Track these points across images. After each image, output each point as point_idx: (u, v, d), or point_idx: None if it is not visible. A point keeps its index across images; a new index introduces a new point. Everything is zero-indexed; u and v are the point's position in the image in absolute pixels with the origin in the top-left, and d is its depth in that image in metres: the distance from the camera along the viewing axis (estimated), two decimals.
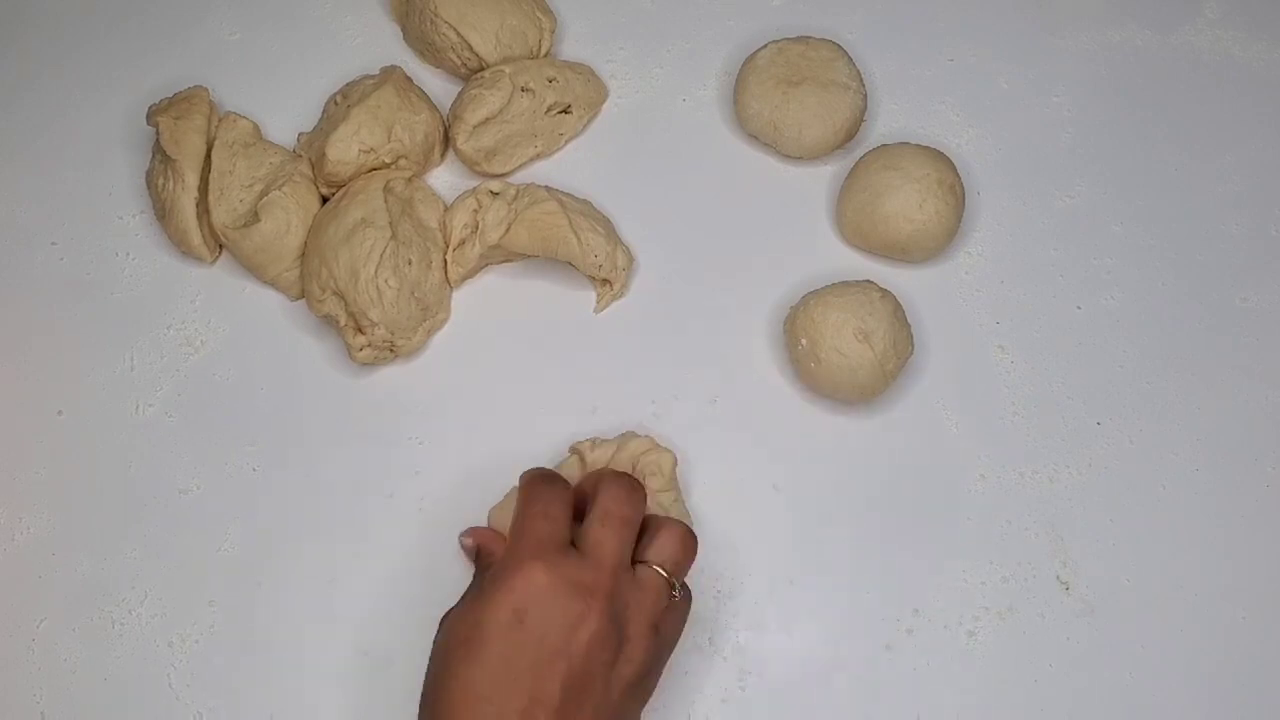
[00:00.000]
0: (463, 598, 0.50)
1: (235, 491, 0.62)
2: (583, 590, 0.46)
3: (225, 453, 0.63)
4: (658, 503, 0.57)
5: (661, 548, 0.50)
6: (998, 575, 0.59)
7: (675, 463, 0.58)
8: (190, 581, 0.60)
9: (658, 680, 0.50)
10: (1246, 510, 0.61)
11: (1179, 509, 0.61)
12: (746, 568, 0.60)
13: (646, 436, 0.59)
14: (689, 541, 0.51)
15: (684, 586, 0.51)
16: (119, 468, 0.63)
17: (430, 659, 0.49)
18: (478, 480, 0.61)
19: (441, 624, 0.49)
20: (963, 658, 0.58)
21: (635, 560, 0.50)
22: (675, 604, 0.50)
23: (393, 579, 0.60)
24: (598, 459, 0.58)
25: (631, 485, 0.51)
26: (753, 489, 0.61)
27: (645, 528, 0.51)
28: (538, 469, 0.53)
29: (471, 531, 0.56)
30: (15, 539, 0.61)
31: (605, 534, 0.48)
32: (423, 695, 0.48)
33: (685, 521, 0.55)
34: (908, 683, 0.57)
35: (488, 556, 0.54)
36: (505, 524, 0.56)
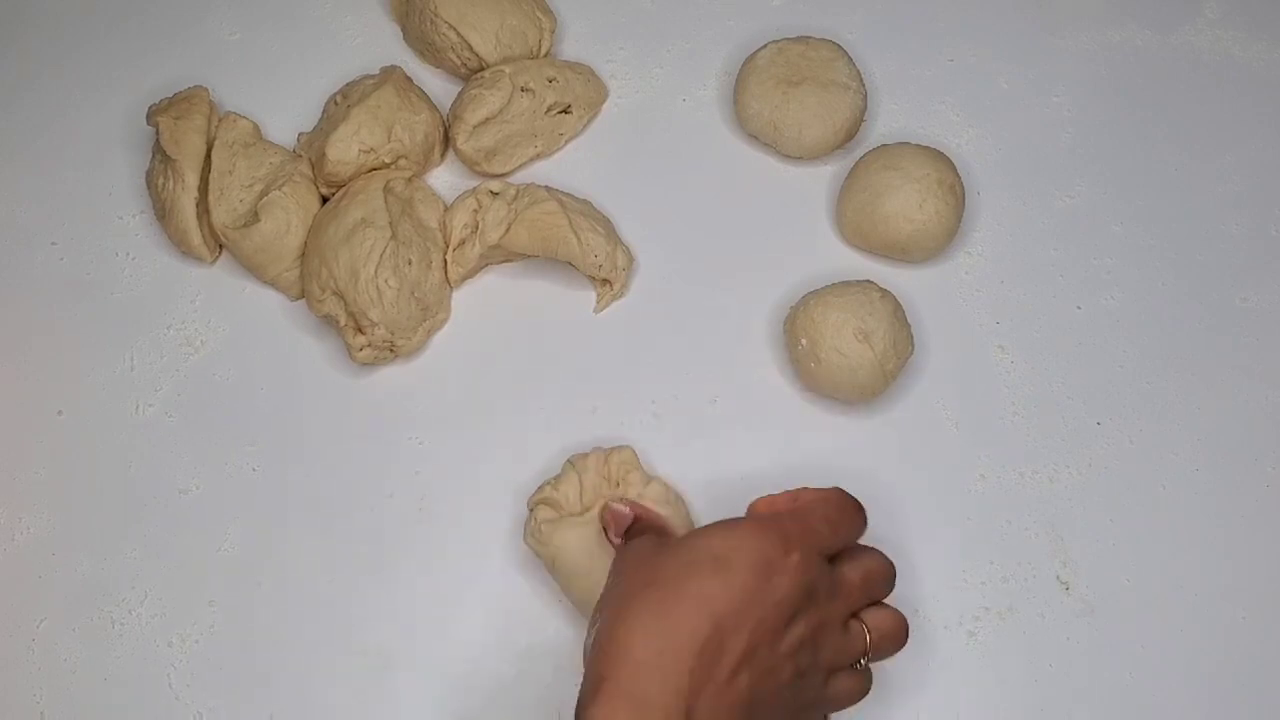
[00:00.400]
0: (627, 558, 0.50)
1: (235, 491, 0.62)
2: (821, 596, 0.46)
3: (225, 453, 0.63)
4: (648, 492, 0.57)
5: (881, 622, 0.49)
6: (998, 575, 0.59)
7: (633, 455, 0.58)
8: (190, 581, 0.60)
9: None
10: (1246, 510, 0.61)
11: (1179, 509, 0.61)
12: None
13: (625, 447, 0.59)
14: (902, 633, 0.50)
15: (867, 671, 0.50)
16: (119, 468, 0.63)
17: (604, 601, 0.47)
18: (478, 480, 0.61)
19: (615, 561, 0.49)
20: (963, 658, 0.58)
21: (855, 613, 0.49)
22: (855, 672, 0.49)
23: (392, 579, 0.60)
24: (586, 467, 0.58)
25: (853, 506, 0.50)
26: (753, 489, 0.61)
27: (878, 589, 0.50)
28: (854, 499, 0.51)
29: (631, 504, 0.55)
30: (15, 539, 0.61)
31: (853, 571, 0.48)
32: (596, 637, 0.46)
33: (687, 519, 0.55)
34: (908, 683, 0.57)
35: (646, 528, 0.53)
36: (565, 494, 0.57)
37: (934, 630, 0.58)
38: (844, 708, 0.50)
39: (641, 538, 0.51)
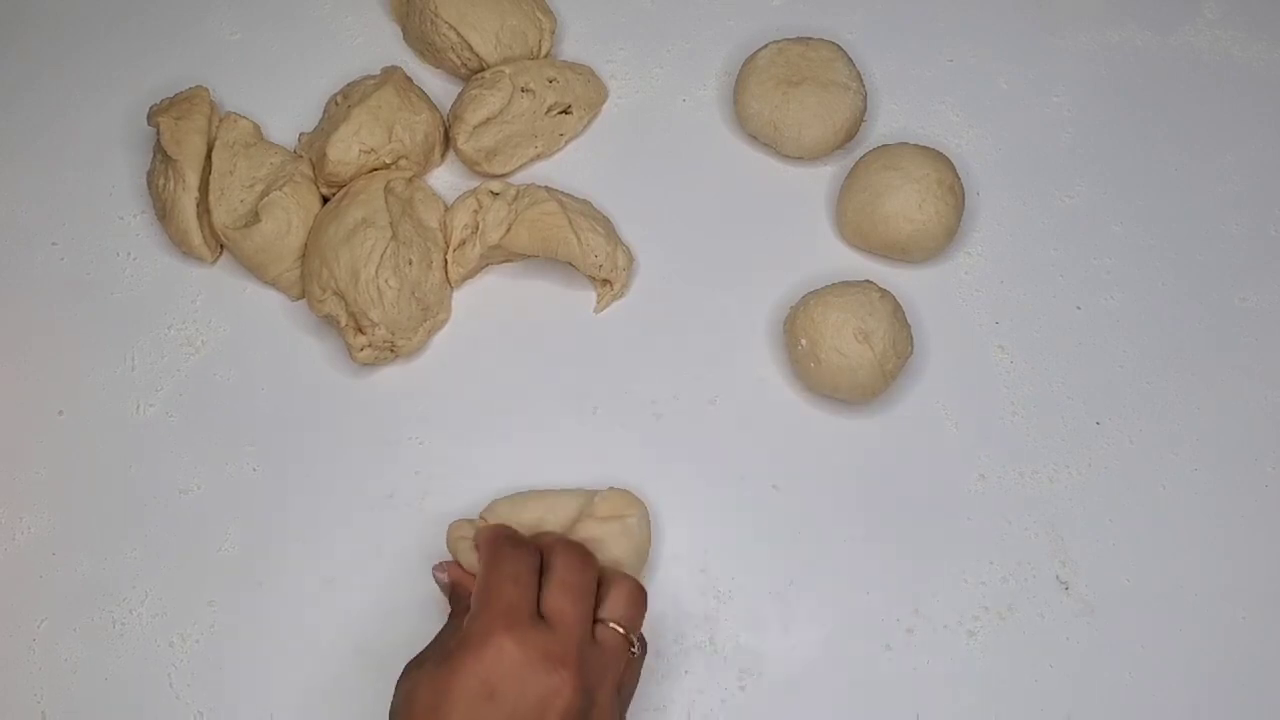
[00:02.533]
0: (427, 650, 0.49)
1: (235, 491, 0.62)
2: (554, 663, 0.46)
3: (225, 453, 0.63)
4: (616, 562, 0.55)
5: (615, 605, 0.50)
6: (998, 575, 0.59)
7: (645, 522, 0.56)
8: (190, 581, 0.60)
9: None
10: (1246, 510, 0.61)
11: (1179, 509, 0.61)
12: (746, 568, 0.60)
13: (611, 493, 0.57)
14: (639, 596, 0.51)
15: (640, 639, 0.51)
16: (119, 468, 0.63)
17: (392, 705, 0.47)
18: (478, 480, 0.61)
19: (402, 681, 0.48)
20: (963, 658, 0.58)
21: (594, 620, 0.49)
22: (633, 659, 0.50)
23: (392, 579, 0.60)
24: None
25: (583, 552, 0.51)
26: (753, 489, 0.61)
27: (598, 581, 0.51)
28: (501, 527, 0.52)
29: (446, 567, 0.54)
30: (15, 539, 0.61)
31: (566, 603, 0.48)
32: None
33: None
34: (908, 683, 0.57)
35: (465, 597, 0.52)
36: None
37: (934, 630, 0.58)
38: (637, 685, 0.51)
39: (430, 648, 0.50)
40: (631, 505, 0.56)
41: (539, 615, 0.47)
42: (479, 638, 0.46)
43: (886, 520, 0.61)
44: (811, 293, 0.63)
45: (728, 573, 0.59)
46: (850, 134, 0.69)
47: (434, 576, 0.54)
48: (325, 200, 0.67)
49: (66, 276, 0.68)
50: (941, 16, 0.76)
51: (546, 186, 0.66)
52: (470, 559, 0.54)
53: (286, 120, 0.71)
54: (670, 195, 0.69)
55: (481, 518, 0.55)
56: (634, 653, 0.49)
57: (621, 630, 0.49)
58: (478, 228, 0.65)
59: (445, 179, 0.70)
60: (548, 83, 0.69)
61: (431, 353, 0.65)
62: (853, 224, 0.66)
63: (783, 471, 0.62)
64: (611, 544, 0.54)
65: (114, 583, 0.60)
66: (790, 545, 0.60)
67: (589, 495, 0.56)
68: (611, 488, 0.56)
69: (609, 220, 0.67)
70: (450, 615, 0.52)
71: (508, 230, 0.64)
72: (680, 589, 0.59)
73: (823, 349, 0.60)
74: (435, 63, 0.73)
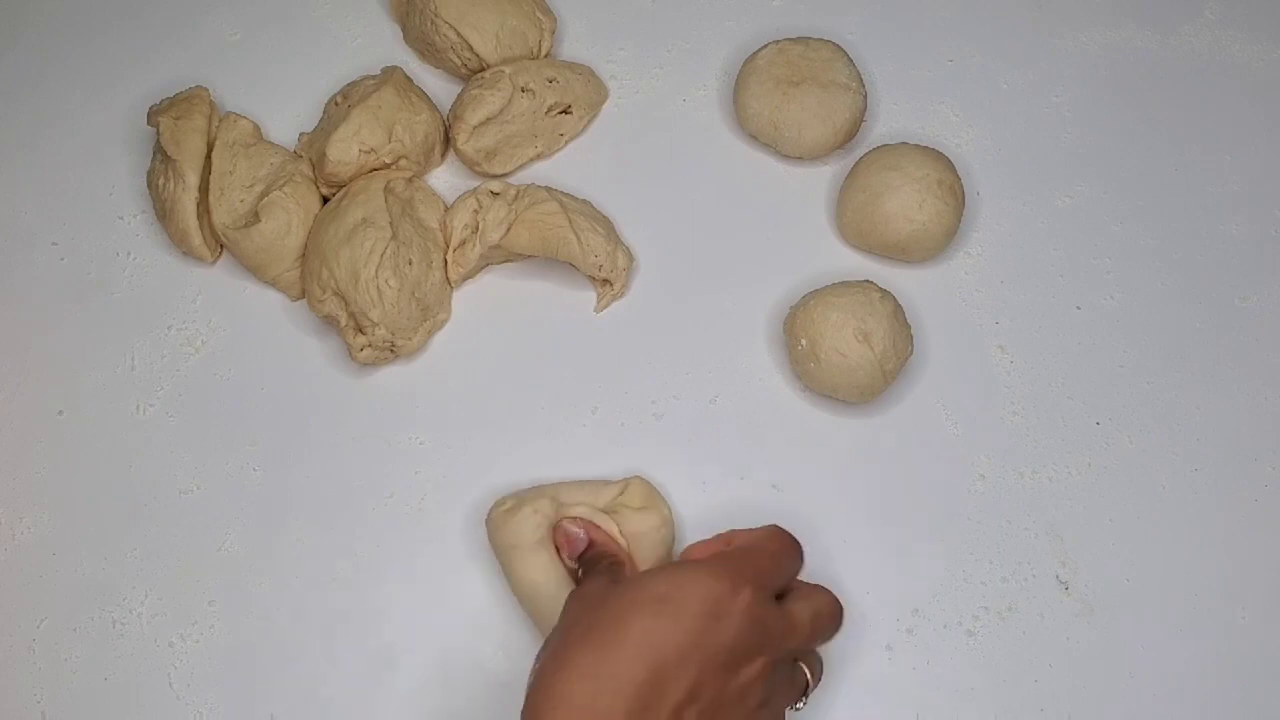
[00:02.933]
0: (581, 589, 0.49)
1: (235, 491, 0.62)
2: (773, 637, 0.45)
3: (225, 453, 0.63)
4: (626, 499, 0.56)
5: (804, 608, 0.49)
6: (998, 575, 0.59)
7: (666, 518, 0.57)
8: (190, 581, 0.60)
9: None
10: (1246, 510, 0.61)
11: (1179, 509, 0.61)
12: None
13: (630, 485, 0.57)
14: (834, 610, 0.51)
15: (819, 668, 0.51)
16: (119, 468, 0.63)
17: (546, 644, 0.46)
18: (478, 480, 0.61)
19: (572, 599, 0.47)
20: (963, 658, 0.58)
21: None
22: (803, 665, 0.50)
23: (393, 579, 0.60)
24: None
25: (789, 546, 0.50)
26: (753, 489, 0.61)
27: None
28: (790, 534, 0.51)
29: (584, 525, 0.53)
30: (16, 539, 0.61)
31: (803, 609, 0.48)
32: (530, 688, 0.45)
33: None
34: (908, 683, 0.57)
35: (600, 557, 0.52)
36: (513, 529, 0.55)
37: (934, 630, 0.58)
38: None
39: (592, 580, 0.50)
40: (653, 495, 0.56)
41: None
42: (730, 567, 0.45)
43: (886, 520, 0.61)
44: (811, 293, 0.63)
45: None
46: (850, 134, 0.69)
47: (565, 530, 0.53)
48: (325, 200, 0.67)
49: (66, 276, 0.68)
50: (941, 16, 0.76)
51: (546, 186, 0.66)
52: (523, 533, 0.54)
53: (286, 120, 0.71)
54: (670, 195, 0.69)
55: (533, 507, 0.56)
56: (800, 705, 0.50)
57: (808, 677, 0.50)
58: (478, 228, 0.65)
59: (445, 179, 0.70)
60: (548, 83, 0.69)
61: (431, 353, 0.65)
62: (853, 224, 0.66)
63: (783, 471, 0.62)
64: (653, 535, 0.55)
65: (114, 583, 0.60)
66: None
67: (614, 485, 0.56)
68: (636, 477, 0.57)
69: (609, 220, 0.67)
70: (581, 580, 0.52)
71: (508, 230, 0.64)
72: None
73: (823, 349, 0.60)
74: (435, 63, 0.73)
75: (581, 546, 0.53)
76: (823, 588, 0.51)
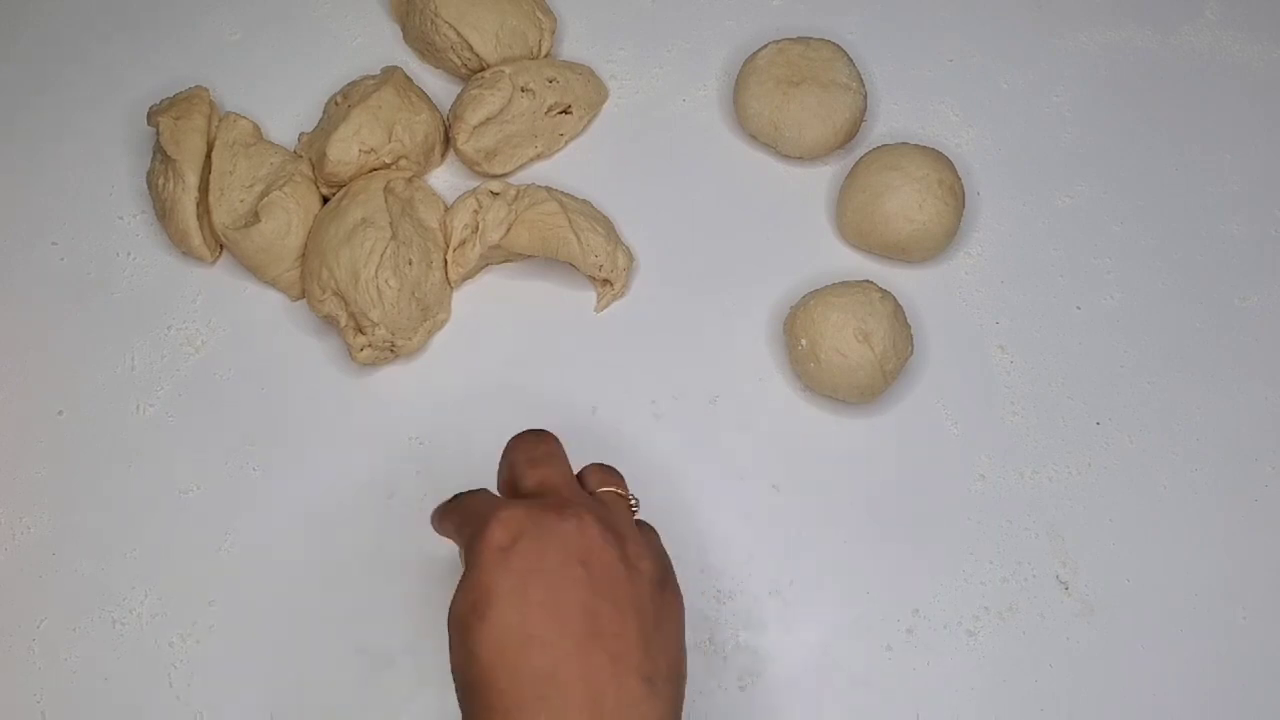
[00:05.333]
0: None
1: (235, 491, 0.62)
2: (559, 508, 0.43)
3: (225, 453, 0.63)
4: None
5: (592, 479, 0.48)
6: (998, 575, 0.59)
7: None
8: (190, 581, 0.60)
9: (681, 599, 0.46)
10: (1247, 510, 0.61)
11: (1179, 509, 0.61)
12: (746, 568, 0.60)
13: None
14: (611, 470, 0.49)
15: (635, 498, 0.49)
16: (119, 468, 0.63)
17: (451, 649, 0.43)
18: (478, 480, 0.61)
19: (449, 623, 0.45)
20: (963, 658, 0.58)
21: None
22: (644, 524, 0.47)
23: (393, 579, 0.60)
24: None
25: (535, 432, 0.49)
26: (753, 489, 0.61)
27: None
28: (439, 505, 0.49)
29: (434, 514, 0.51)
30: (16, 539, 0.61)
31: (542, 472, 0.46)
32: (457, 686, 0.43)
33: None
34: (908, 683, 0.57)
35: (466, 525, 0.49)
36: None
37: (934, 630, 0.58)
38: (669, 563, 0.47)
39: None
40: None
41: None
42: (478, 521, 0.43)
43: (886, 520, 0.61)
44: (811, 293, 0.63)
45: (728, 573, 0.59)
46: (850, 134, 0.69)
47: (434, 526, 0.50)
48: (325, 200, 0.67)
49: (66, 276, 0.68)
50: (941, 17, 0.76)
51: (546, 186, 0.66)
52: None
53: (286, 120, 0.71)
54: (670, 195, 0.69)
55: None
56: (633, 506, 0.47)
57: (613, 490, 0.47)
58: (478, 228, 0.65)
59: (445, 179, 0.70)
60: (548, 83, 0.69)
61: (431, 353, 0.65)
62: (853, 224, 0.66)
63: (783, 471, 0.62)
64: None
65: (114, 583, 0.60)
66: (790, 545, 0.60)
67: None
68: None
69: (609, 220, 0.67)
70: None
71: (508, 230, 0.64)
72: (680, 589, 0.59)
73: (823, 349, 0.60)
74: (435, 63, 0.73)
75: (453, 537, 0.50)
76: (590, 466, 0.49)
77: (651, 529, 0.48)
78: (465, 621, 0.42)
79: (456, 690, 0.43)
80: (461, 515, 0.46)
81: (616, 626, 0.41)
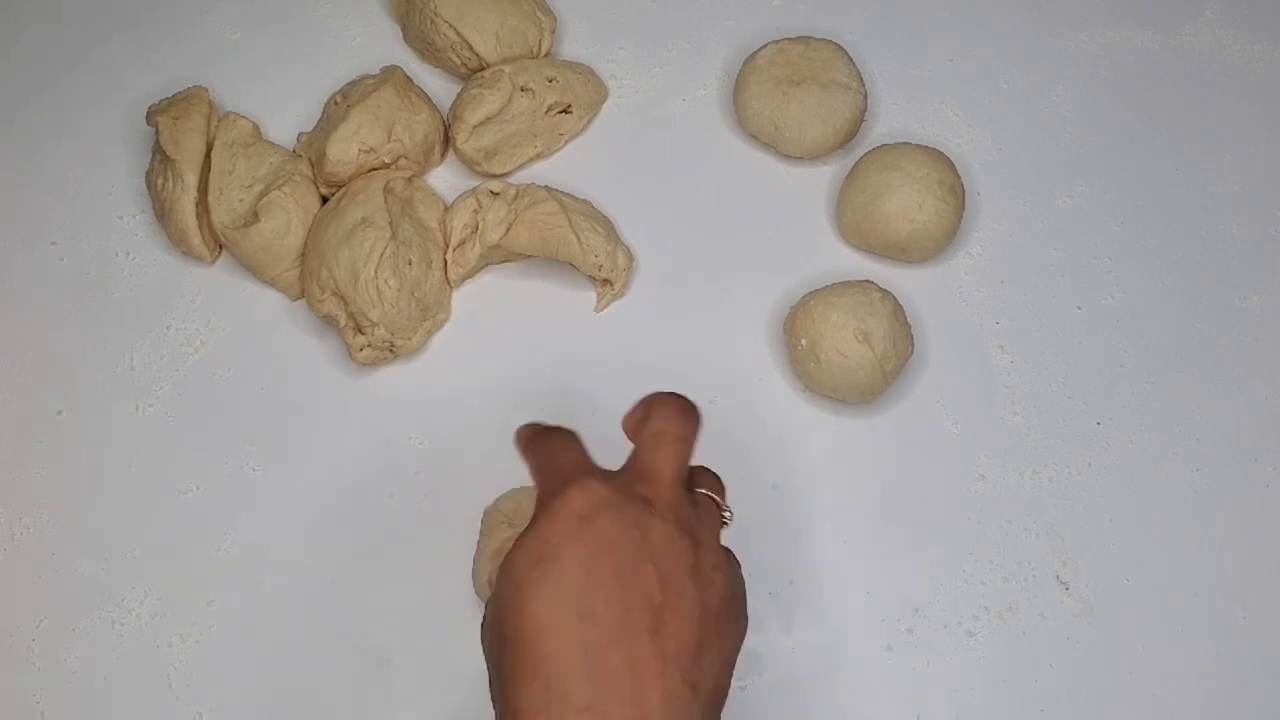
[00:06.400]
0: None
1: (235, 491, 0.62)
2: (643, 500, 0.42)
3: (225, 453, 0.63)
4: None
5: (697, 478, 0.47)
6: (998, 575, 0.59)
7: None
8: (190, 581, 0.60)
9: (745, 625, 0.44)
10: (1247, 510, 0.61)
11: (1179, 509, 0.61)
12: (746, 568, 0.59)
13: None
14: (717, 477, 0.48)
15: (728, 521, 0.47)
16: (119, 468, 0.63)
17: (492, 601, 0.41)
18: (478, 480, 0.61)
19: (502, 570, 0.42)
20: (963, 658, 0.58)
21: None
22: (727, 551, 0.46)
23: (392, 579, 0.60)
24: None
25: (684, 403, 0.47)
26: (753, 489, 0.61)
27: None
28: (533, 425, 0.48)
29: (521, 434, 0.48)
30: (15, 539, 0.61)
31: (659, 457, 0.44)
32: (490, 638, 0.41)
33: None
34: (908, 683, 0.57)
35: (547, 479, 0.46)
36: (516, 511, 0.55)
37: (934, 630, 0.58)
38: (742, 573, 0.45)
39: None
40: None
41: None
42: (560, 489, 0.41)
43: (886, 520, 0.61)
44: (811, 293, 0.63)
45: None
46: (850, 134, 0.69)
47: (516, 438, 0.48)
48: (324, 200, 0.67)
49: (66, 276, 0.68)
50: (941, 16, 0.76)
51: (546, 186, 0.66)
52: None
53: (286, 120, 0.71)
54: (670, 195, 0.69)
55: (497, 510, 0.56)
56: (726, 519, 0.46)
57: (713, 496, 0.45)
58: (477, 228, 0.65)
59: (445, 179, 0.70)
60: (547, 82, 0.69)
61: (431, 353, 0.65)
62: (853, 224, 0.66)
63: (783, 471, 0.62)
64: None
65: (113, 583, 0.60)
66: (790, 545, 0.60)
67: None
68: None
69: (609, 220, 0.67)
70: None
71: (508, 230, 0.64)
72: (748, 616, 0.59)
73: (823, 349, 0.60)
74: (435, 62, 0.73)
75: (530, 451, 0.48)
76: (699, 468, 0.47)
77: (733, 555, 0.46)
78: (523, 574, 0.40)
79: (488, 646, 0.41)
80: (547, 462, 0.45)
81: (676, 628, 0.40)
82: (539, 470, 0.45)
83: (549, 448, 0.46)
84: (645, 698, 0.38)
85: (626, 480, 0.43)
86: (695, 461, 0.50)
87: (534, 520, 0.42)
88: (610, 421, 0.63)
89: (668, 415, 0.46)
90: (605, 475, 0.43)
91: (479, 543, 0.58)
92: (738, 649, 0.44)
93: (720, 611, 0.42)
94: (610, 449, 0.62)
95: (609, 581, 0.39)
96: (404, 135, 0.67)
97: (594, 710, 0.37)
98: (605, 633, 0.38)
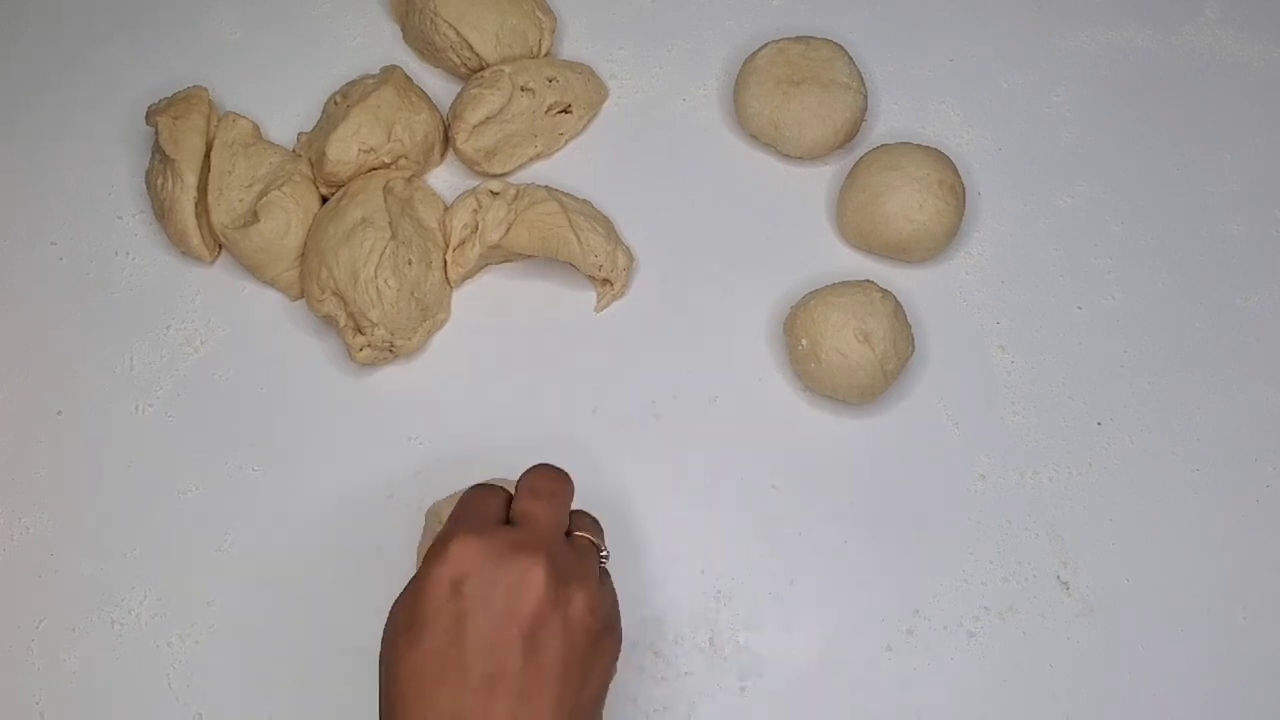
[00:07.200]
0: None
1: (235, 491, 0.62)
2: (522, 549, 0.44)
3: (225, 453, 0.63)
4: None
5: (578, 524, 0.49)
6: (998, 575, 0.59)
7: None
8: (190, 581, 0.60)
9: (617, 652, 0.47)
10: (1247, 510, 0.61)
11: (1179, 509, 0.61)
12: (746, 568, 0.60)
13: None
14: (593, 520, 0.50)
15: (607, 552, 0.50)
16: (119, 468, 0.63)
17: (382, 644, 0.45)
18: (477, 480, 0.61)
19: (386, 625, 0.46)
20: (963, 658, 0.58)
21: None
22: (605, 573, 0.49)
23: (392, 579, 0.59)
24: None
25: (555, 469, 0.50)
26: (753, 489, 0.61)
27: None
28: (475, 487, 0.51)
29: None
30: (15, 539, 0.61)
31: (536, 505, 0.47)
32: (380, 697, 0.44)
33: None
34: (908, 683, 0.57)
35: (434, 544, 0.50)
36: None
37: (934, 630, 0.58)
38: (618, 612, 0.48)
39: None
40: None
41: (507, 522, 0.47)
42: (441, 543, 0.45)
43: (886, 520, 0.61)
44: (812, 293, 0.63)
45: (728, 573, 0.59)
46: (850, 134, 0.69)
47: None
48: (324, 200, 0.67)
49: (66, 276, 0.68)
50: (941, 16, 0.76)
51: (546, 186, 0.66)
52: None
53: (286, 120, 0.71)
54: (670, 195, 0.69)
55: (436, 514, 0.56)
56: (604, 558, 0.49)
57: (589, 538, 0.48)
58: (477, 228, 0.65)
59: (445, 179, 0.70)
60: (547, 82, 0.69)
61: (431, 353, 0.65)
62: (853, 224, 0.66)
63: (783, 471, 0.62)
64: None
65: (113, 583, 0.60)
66: (790, 545, 0.60)
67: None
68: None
69: (609, 220, 0.67)
70: None
71: (508, 230, 0.64)
72: (680, 589, 0.59)
73: (823, 349, 0.60)
74: (435, 62, 0.73)
75: None
76: (579, 512, 0.50)
77: (609, 584, 0.49)
78: (395, 643, 0.44)
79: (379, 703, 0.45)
80: (459, 508, 0.48)
81: (534, 685, 0.43)
82: (451, 516, 0.48)
83: (469, 495, 0.49)
84: None
85: (509, 531, 0.46)
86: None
87: (415, 578, 0.45)
88: (610, 421, 0.63)
89: (541, 475, 0.49)
90: (491, 530, 0.46)
91: (419, 546, 0.57)
92: (611, 668, 0.47)
93: (587, 649, 0.45)
94: (610, 448, 0.62)
95: (470, 649, 0.43)
96: (404, 135, 0.67)
97: None
98: (459, 693, 0.42)
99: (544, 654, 0.43)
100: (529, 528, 0.46)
